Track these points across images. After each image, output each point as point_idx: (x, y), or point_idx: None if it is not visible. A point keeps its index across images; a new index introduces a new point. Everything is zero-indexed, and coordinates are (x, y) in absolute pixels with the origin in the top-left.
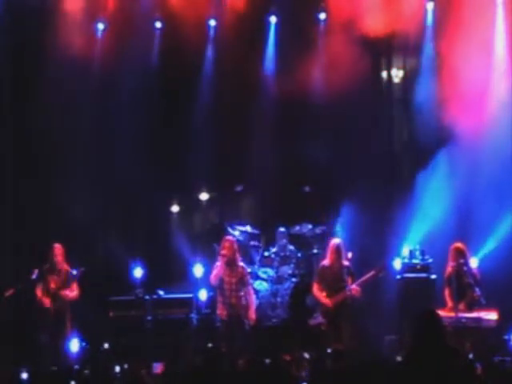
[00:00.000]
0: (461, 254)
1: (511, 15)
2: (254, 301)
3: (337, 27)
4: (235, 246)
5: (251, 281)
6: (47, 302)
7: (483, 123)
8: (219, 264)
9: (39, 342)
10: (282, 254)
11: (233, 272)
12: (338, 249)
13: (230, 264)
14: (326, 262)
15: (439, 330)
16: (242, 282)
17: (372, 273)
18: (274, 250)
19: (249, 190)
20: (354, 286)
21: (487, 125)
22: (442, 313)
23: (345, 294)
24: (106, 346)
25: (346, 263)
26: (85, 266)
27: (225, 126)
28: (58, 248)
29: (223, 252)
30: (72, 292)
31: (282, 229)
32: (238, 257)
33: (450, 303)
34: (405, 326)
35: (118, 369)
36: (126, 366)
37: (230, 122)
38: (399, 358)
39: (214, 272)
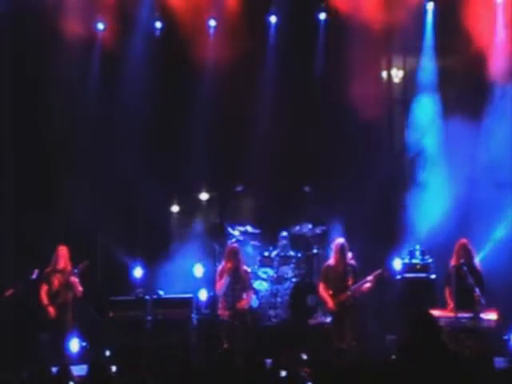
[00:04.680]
0: (467, 251)
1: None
2: (249, 301)
3: (337, 27)
4: (239, 254)
5: (252, 281)
6: (52, 311)
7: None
8: (225, 277)
9: (39, 341)
10: (282, 254)
11: (237, 279)
12: (342, 248)
13: (235, 272)
14: (330, 261)
15: (432, 330)
16: (244, 286)
17: (375, 273)
18: (275, 252)
19: (249, 190)
20: (367, 285)
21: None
22: (442, 313)
23: (347, 294)
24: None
25: (351, 262)
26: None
27: (225, 125)
28: (62, 250)
29: (229, 265)
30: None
31: (284, 233)
32: (242, 263)
33: (450, 304)
34: (404, 325)
35: (114, 369)
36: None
37: (230, 121)
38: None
39: (220, 284)
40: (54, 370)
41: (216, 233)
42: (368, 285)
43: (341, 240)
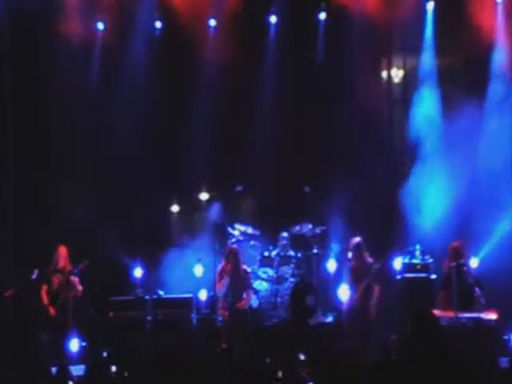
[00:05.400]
0: (460, 254)
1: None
2: (249, 301)
3: (337, 27)
4: (239, 255)
5: (252, 281)
6: (52, 311)
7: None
8: (225, 278)
9: (39, 341)
10: (282, 254)
11: (236, 279)
12: (357, 247)
13: (235, 273)
14: (351, 262)
15: (434, 329)
16: (244, 286)
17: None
18: (275, 252)
19: (249, 190)
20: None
21: (485, 124)
22: (442, 313)
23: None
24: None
25: (369, 260)
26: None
27: (225, 125)
28: (62, 250)
29: (228, 266)
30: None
31: (284, 234)
32: (242, 263)
33: (447, 305)
34: (404, 325)
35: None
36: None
37: (230, 121)
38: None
39: (220, 285)
40: (53, 369)
41: (217, 233)
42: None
43: (357, 239)
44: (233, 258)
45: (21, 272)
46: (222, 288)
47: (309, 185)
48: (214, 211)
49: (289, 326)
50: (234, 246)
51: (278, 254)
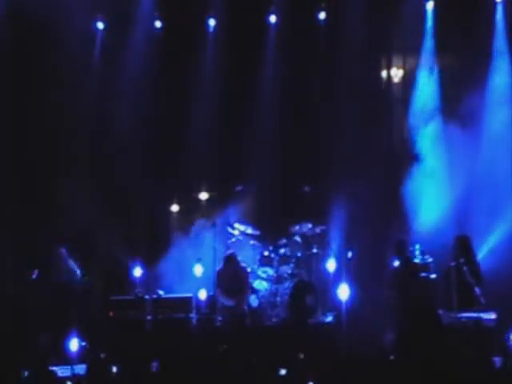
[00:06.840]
0: (465, 247)
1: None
2: (246, 299)
3: (337, 26)
4: (237, 258)
5: (251, 281)
6: (54, 311)
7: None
8: (234, 299)
9: (39, 341)
10: (282, 253)
11: (236, 280)
12: (399, 247)
13: (234, 275)
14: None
15: (435, 330)
16: (242, 285)
17: None
18: (282, 250)
19: (249, 190)
20: None
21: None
22: (442, 312)
23: None
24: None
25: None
26: (84, 266)
27: (225, 125)
28: (61, 253)
29: (228, 270)
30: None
31: (297, 238)
32: (241, 263)
33: (448, 303)
34: (404, 325)
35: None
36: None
37: (231, 121)
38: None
39: (222, 296)
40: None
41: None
42: None
43: (400, 239)
44: (232, 262)
45: (21, 272)
46: (228, 301)
47: (309, 185)
48: (227, 214)
49: (289, 326)
50: (232, 251)
51: (278, 254)
